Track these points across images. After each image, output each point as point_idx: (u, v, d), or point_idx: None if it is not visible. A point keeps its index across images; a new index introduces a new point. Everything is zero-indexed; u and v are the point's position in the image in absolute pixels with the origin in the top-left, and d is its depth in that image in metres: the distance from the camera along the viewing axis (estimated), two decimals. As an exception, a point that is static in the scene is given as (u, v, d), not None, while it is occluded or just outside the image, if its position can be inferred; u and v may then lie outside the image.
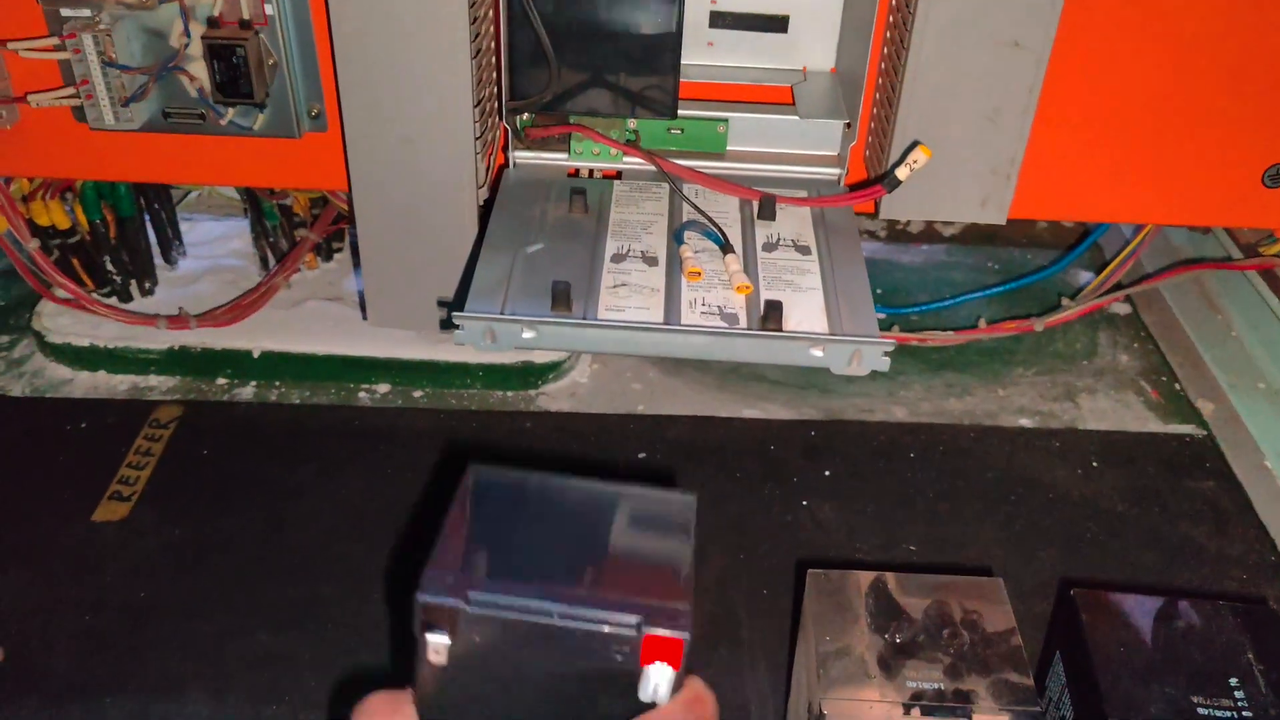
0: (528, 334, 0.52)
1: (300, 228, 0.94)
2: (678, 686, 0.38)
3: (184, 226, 1.00)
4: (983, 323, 0.89)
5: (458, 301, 0.59)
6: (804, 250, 0.59)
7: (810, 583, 0.55)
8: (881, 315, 0.95)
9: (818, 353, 0.51)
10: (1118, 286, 0.90)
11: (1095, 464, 0.84)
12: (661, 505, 0.40)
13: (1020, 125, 0.64)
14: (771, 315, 0.53)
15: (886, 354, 0.51)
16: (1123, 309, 0.99)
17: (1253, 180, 0.73)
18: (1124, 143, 0.72)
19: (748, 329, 0.53)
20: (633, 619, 0.36)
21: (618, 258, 0.58)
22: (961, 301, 0.95)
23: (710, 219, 0.60)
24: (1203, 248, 0.89)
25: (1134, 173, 0.73)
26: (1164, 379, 0.92)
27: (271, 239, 0.95)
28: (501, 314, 0.52)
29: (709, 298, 0.55)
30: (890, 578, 0.55)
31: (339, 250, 0.99)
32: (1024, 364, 0.94)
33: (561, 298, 0.54)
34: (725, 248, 0.58)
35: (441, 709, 0.40)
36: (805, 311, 0.54)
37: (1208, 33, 0.67)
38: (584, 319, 0.53)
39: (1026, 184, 0.68)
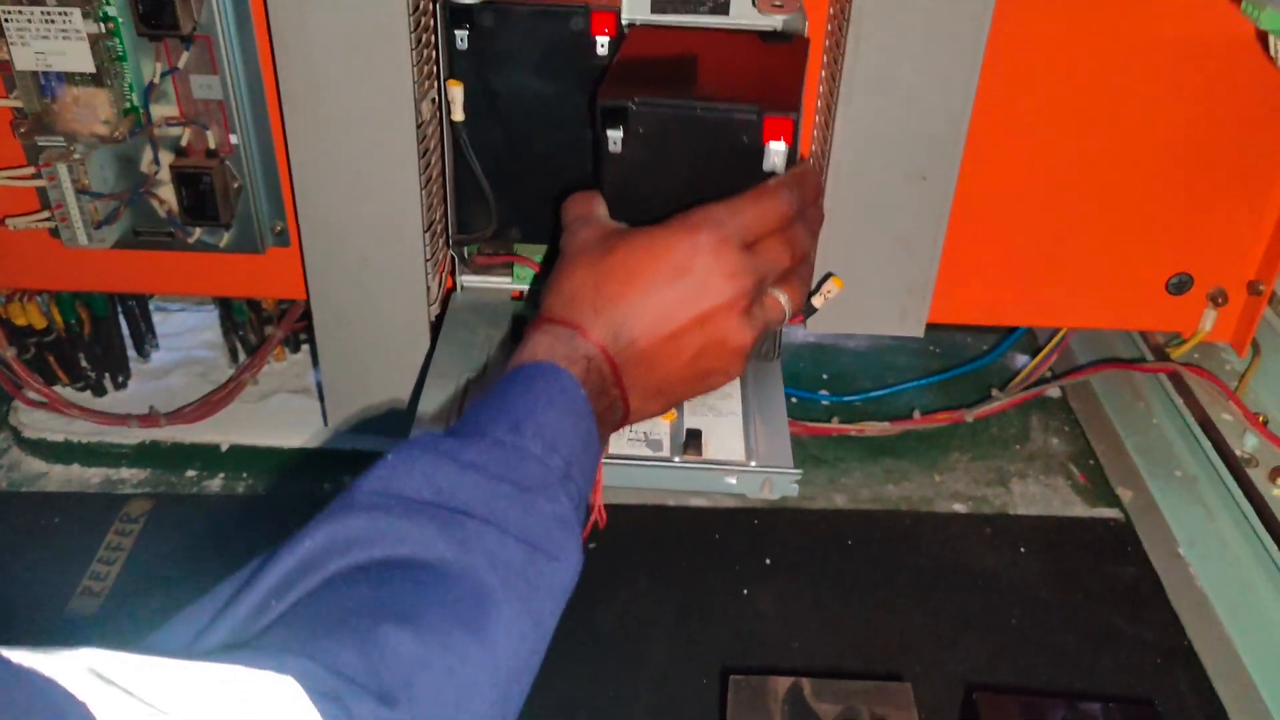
0: (465, 465, 0.56)
1: (268, 323, 0.98)
2: (791, 161, 0.52)
3: (157, 318, 1.04)
4: (917, 413, 0.94)
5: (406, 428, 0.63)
6: (727, 374, 0.64)
7: (731, 689, 0.59)
8: (825, 403, 1.00)
9: (732, 480, 0.56)
10: (1053, 373, 0.96)
11: (1023, 549, 0.88)
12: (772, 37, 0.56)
13: (932, 250, 0.69)
14: (691, 443, 0.57)
15: (795, 482, 0.55)
16: (1055, 392, 1.04)
17: (1157, 287, 0.79)
18: (1036, 253, 0.77)
19: (670, 457, 0.57)
20: (755, 107, 0.50)
21: (553, 384, 0.63)
22: (901, 390, 1.00)
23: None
24: (1128, 341, 0.94)
25: (1045, 280, 0.78)
26: (1091, 463, 0.96)
27: (241, 333, 0.99)
28: (441, 446, 0.57)
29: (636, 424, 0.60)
30: (806, 684, 0.59)
31: (306, 341, 1.03)
32: (960, 449, 0.98)
33: (498, 427, 0.58)
34: (653, 374, 0.62)
35: (620, 195, 0.54)
36: (724, 438, 0.59)
37: (1112, 153, 0.72)
38: (518, 449, 0.57)
39: (943, 291, 0.73)
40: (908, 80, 0.63)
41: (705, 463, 0.57)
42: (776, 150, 0.51)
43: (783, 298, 0.53)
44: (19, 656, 0.27)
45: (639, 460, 0.57)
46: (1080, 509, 0.92)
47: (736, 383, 0.64)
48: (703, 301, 0.49)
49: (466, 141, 0.63)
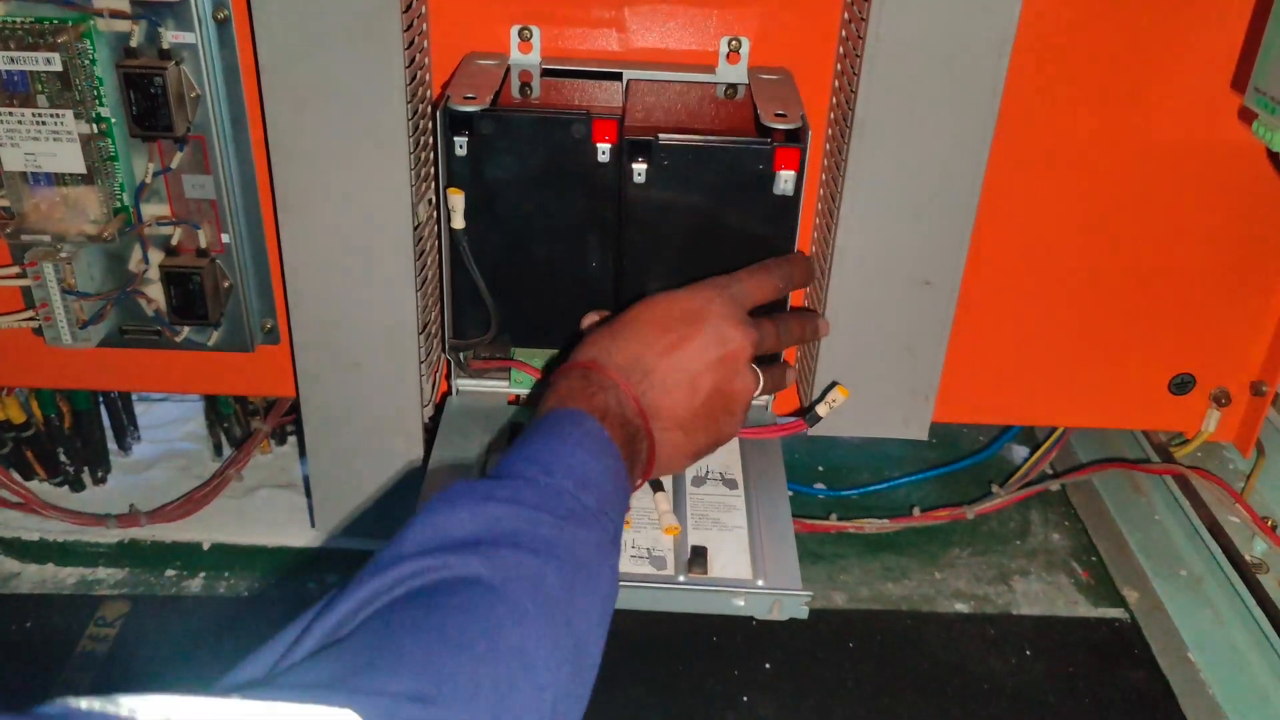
0: (462, 586, 0.54)
1: (254, 415, 0.96)
2: (798, 188, 0.59)
3: (139, 409, 1.01)
4: (917, 511, 0.92)
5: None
6: (731, 484, 0.62)
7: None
8: (821, 497, 0.98)
9: (740, 602, 0.54)
10: (1053, 468, 0.94)
11: (1028, 651, 0.86)
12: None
13: (935, 354, 0.68)
14: (696, 562, 0.55)
15: (805, 604, 0.53)
16: (1054, 484, 1.03)
17: (1159, 387, 0.78)
18: (1037, 353, 0.76)
19: (674, 576, 0.55)
20: (768, 140, 0.57)
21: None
22: (899, 484, 0.99)
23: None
24: (1129, 437, 0.93)
25: (1047, 380, 0.78)
26: (1094, 559, 0.95)
27: (226, 425, 0.97)
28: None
29: (639, 539, 0.58)
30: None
31: (293, 434, 1.01)
32: (960, 544, 0.96)
33: (496, 543, 0.56)
34: (655, 485, 0.60)
35: (641, 225, 0.59)
36: (730, 555, 0.57)
37: (1114, 254, 0.72)
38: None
39: (945, 391, 0.72)
40: (911, 185, 0.63)
41: (711, 582, 0.55)
42: (786, 177, 0.57)
43: (756, 370, 0.58)
44: (96, 704, 0.30)
45: (642, 581, 0.55)
46: (1085, 608, 0.90)
47: (740, 490, 0.62)
48: (716, 346, 0.54)
49: (466, 248, 0.61)
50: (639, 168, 0.58)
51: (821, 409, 0.63)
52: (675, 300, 0.55)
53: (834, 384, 0.64)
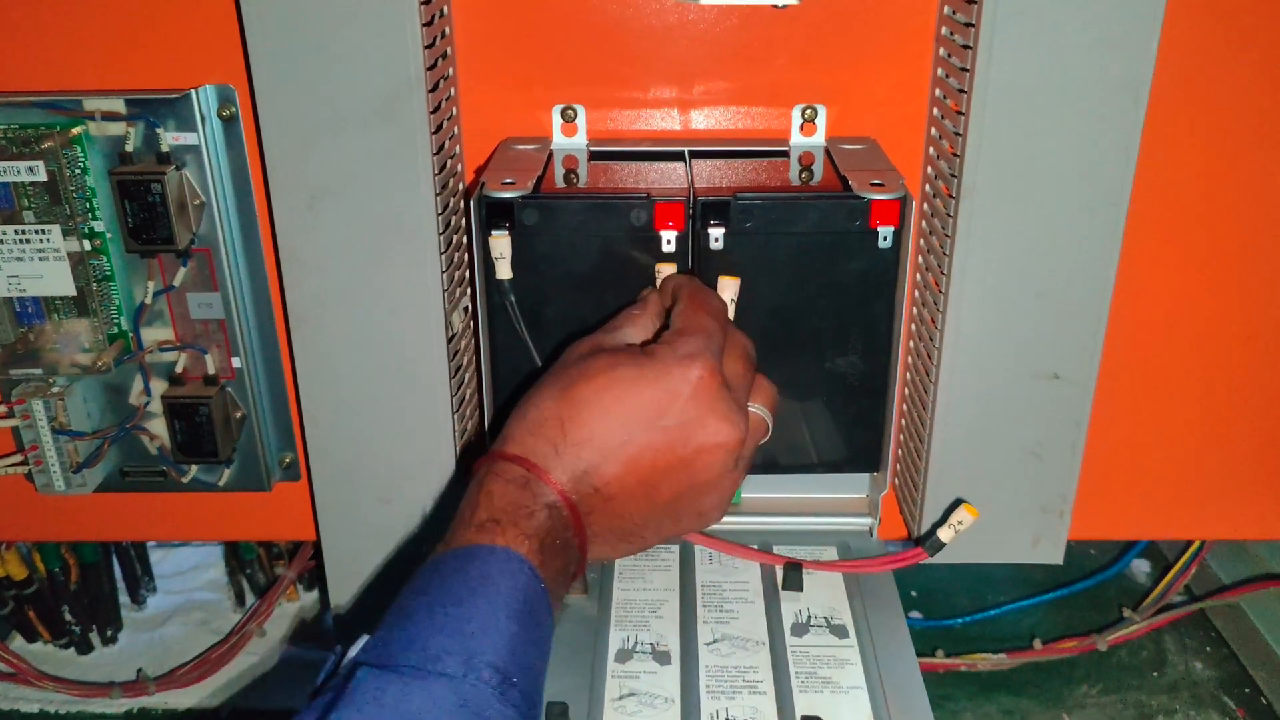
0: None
1: (279, 559, 0.87)
2: (899, 243, 0.51)
3: (156, 556, 0.92)
4: (1038, 643, 0.80)
5: None
6: (840, 631, 0.51)
7: None
8: (921, 629, 0.86)
9: (871, 790, 0.42)
10: (1188, 591, 0.82)
11: (1189, 810, 0.72)
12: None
13: (1070, 460, 0.57)
14: (810, 737, 0.44)
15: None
16: (1195, 608, 0.90)
17: (1321, 491, 0.66)
18: (1179, 458, 0.65)
19: (784, 758, 0.44)
20: (864, 194, 0.50)
21: (623, 655, 0.50)
22: (1007, 611, 0.86)
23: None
24: (1276, 552, 0.81)
25: (1189, 488, 0.66)
26: (1248, 692, 0.81)
27: (248, 571, 0.88)
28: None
29: (732, 708, 0.46)
30: None
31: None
32: (1087, 680, 0.83)
33: (558, 724, 0.45)
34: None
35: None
36: (850, 724, 0.45)
37: (1263, 340, 0.61)
38: (585, 756, 0.44)
39: (1076, 505, 0.61)
40: (1031, 260, 0.53)
41: (834, 766, 0.43)
42: (885, 234, 0.50)
43: (759, 410, 0.48)
44: None
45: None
46: (1249, 753, 0.76)
47: (853, 638, 0.51)
48: (690, 443, 0.43)
49: (513, 301, 0.52)
50: (715, 232, 0.50)
51: (944, 533, 0.52)
52: (643, 377, 0.43)
53: (959, 502, 0.53)
